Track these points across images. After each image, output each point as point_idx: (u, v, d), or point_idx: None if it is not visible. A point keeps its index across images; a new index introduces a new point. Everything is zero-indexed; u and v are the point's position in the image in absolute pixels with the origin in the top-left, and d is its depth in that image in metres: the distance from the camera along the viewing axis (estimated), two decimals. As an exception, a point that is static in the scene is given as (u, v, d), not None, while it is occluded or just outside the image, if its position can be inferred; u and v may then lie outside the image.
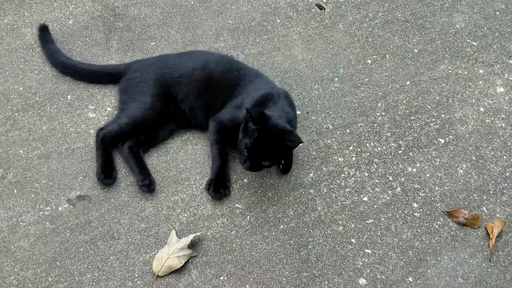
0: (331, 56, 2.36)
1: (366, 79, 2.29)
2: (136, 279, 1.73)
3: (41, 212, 1.85)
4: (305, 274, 1.78)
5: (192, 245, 1.79)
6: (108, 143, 1.95)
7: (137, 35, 2.36)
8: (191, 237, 1.78)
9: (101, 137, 1.95)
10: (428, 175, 2.02)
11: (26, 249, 1.77)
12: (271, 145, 1.76)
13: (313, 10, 2.53)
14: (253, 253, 1.81)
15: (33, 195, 1.88)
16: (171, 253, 1.75)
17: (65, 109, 2.10)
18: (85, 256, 1.77)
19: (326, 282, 1.76)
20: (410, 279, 1.78)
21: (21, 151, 1.99)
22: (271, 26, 2.44)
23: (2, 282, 1.70)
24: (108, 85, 2.17)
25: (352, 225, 1.89)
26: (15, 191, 1.89)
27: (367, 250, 1.83)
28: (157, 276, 1.73)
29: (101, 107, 2.11)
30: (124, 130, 1.96)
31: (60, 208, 1.86)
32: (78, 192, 1.90)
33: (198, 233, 1.81)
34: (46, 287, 1.70)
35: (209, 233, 1.84)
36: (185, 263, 1.75)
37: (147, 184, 1.90)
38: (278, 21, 2.46)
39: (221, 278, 1.75)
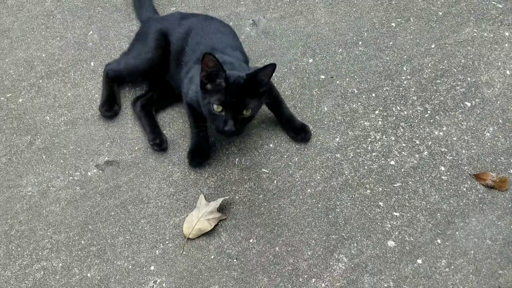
0: (354, 19, 2.32)
1: (391, 43, 2.25)
2: (167, 242, 1.75)
3: (71, 177, 1.86)
4: (333, 236, 1.79)
5: (221, 209, 1.80)
6: (111, 78, 2.00)
7: (157, 0, 2.32)
8: (220, 200, 1.79)
9: (106, 72, 2.02)
10: (455, 139, 2.00)
11: (57, 213, 1.79)
12: (245, 88, 1.65)
13: (335, -28, 2.48)
14: (281, 217, 1.82)
15: (61, 161, 1.89)
16: (200, 216, 1.76)
17: (89, 75, 2.09)
18: (116, 220, 1.79)
19: (355, 244, 1.77)
20: (439, 241, 1.79)
21: (48, 117, 1.99)
22: (292, -10, 2.40)
23: (36, 246, 1.73)
24: (131, 51, 2.15)
25: (380, 188, 1.89)
26: (44, 157, 1.90)
27: (395, 213, 1.84)
28: (188, 238, 1.75)
29: (125, 73, 2.10)
30: (127, 68, 2.00)
31: (89, 173, 1.87)
32: (106, 158, 1.91)
33: (227, 197, 1.82)
34: (80, 250, 1.73)
35: (237, 197, 1.85)
36: (215, 226, 1.77)
37: (158, 143, 1.90)
38: (300, -16, 2.41)
39: (251, 240, 1.77)
